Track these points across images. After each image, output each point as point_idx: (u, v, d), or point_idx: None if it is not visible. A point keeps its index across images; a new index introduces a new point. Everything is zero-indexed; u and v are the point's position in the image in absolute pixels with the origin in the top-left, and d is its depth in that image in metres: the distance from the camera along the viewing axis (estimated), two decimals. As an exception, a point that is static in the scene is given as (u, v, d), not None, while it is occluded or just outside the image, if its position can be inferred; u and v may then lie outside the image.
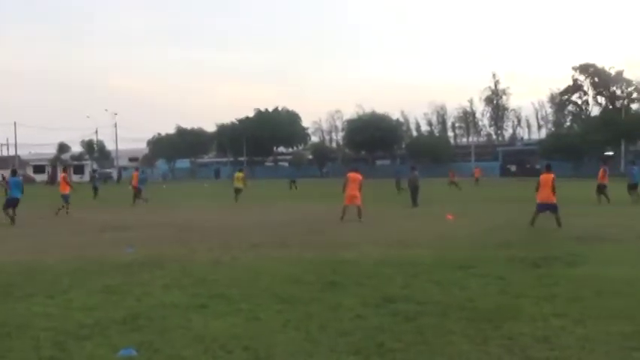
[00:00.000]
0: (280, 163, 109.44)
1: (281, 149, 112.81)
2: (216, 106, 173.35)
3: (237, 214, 23.37)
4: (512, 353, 5.61)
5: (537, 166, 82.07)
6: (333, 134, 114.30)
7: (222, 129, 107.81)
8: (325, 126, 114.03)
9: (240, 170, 33.22)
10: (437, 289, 8.34)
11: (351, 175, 20.56)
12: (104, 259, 11.84)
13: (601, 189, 26.75)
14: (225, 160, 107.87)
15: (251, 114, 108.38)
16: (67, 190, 24.54)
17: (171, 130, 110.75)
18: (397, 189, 37.54)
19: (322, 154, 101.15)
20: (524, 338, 6.02)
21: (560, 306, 7.29)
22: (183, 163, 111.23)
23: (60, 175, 25.40)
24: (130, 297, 8.22)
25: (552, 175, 17.51)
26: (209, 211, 25.67)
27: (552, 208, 17.17)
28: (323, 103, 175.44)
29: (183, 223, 19.82)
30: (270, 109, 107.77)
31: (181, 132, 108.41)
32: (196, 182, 75.38)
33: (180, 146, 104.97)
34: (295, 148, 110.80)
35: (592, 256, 11.39)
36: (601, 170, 27.23)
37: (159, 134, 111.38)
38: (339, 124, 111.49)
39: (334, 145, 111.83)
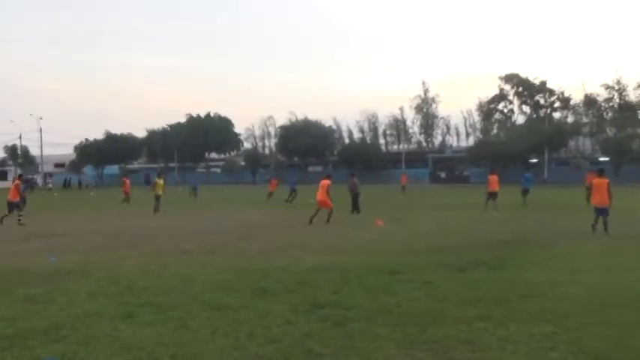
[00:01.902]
0: (212, 170, 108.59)
1: (213, 155, 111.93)
2: (147, 111, 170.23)
3: (167, 221, 23.02)
4: (437, 356, 5.74)
5: (465, 173, 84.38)
6: (266, 140, 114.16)
7: (153, 134, 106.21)
8: (258, 132, 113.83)
9: (159, 176, 30.58)
10: (366, 295, 8.43)
11: (322, 182, 22.12)
12: (27, 268, 11.47)
13: (492, 195, 28.01)
14: (155, 166, 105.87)
15: (183, 119, 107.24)
16: (16, 198, 23.23)
17: (100, 136, 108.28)
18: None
19: (255, 161, 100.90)
20: (448, 341, 6.17)
21: (484, 309, 7.49)
22: (112, 170, 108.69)
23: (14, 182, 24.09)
24: (54, 306, 8.00)
25: (607, 180, 17.47)
26: (139, 218, 25.18)
27: (605, 212, 17.02)
28: (255, 110, 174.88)
29: (111, 230, 19.41)
30: (202, 115, 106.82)
31: (110, 137, 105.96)
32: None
33: (108, 152, 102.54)
34: (228, 154, 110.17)
35: (517, 259, 11.77)
36: (491, 177, 28.61)
37: (86, 139, 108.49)
38: (271, 130, 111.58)
39: (267, 151, 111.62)
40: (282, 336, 6.40)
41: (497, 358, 5.66)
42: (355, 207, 26.34)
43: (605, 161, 71.89)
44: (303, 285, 9.25)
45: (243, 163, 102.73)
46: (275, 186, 41.71)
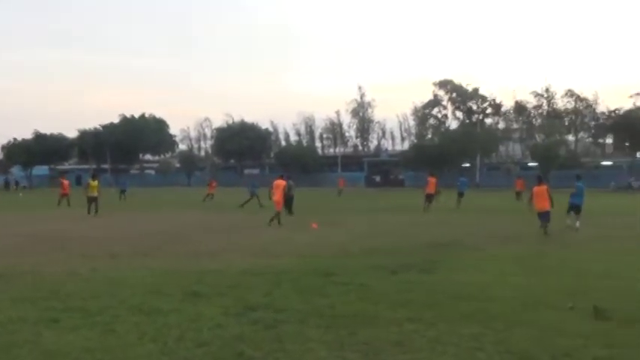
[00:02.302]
0: (147, 171, 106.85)
1: (148, 157, 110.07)
2: (79, 111, 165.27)
3: (97, 224, 22.43)
4: (368, 358, 5.77)
5: (400, 177, 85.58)
6: (202, 142, 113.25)
7: (85, 135, 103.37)
8: (194, 134, 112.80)
9: (94, 177, 29.33)
10: (298, 297, 8.42)
11: (275, 182, 22.56)
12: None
13: (429, 198, 29.09)
14: (87, 167, 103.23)
15: (116, 120, 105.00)
16: None
17: (29, 135, 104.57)
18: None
19: (190, 163, 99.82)
20: (379, 343, 6.21)
21: (415, 311, 7.59)
22: (41, 170, 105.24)
23: None
24: (-26, 312, 7.66)
25: (546, 187, 18.66)
26: (68, 220, 24.41)
27: (546, 217, 18.04)
28: (191, 111, 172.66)
29: (39, 232, 18.76)
30: (137, 116, 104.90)
31: (39, 137, 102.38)
32: (56, 190, 71.86)
33: (37, 152, 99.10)
34: (162, 155, 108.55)
35: (448, 262, 12.00)
36: (430, 180, 29.74)
37: (14, 139, 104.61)
38: (207, 132, 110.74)
39: (202, 153, 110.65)
40: (212, 339, 6.31)
41: (427, 359, 5.73)
42: (289, 209, 26.35)
43: (534, 166, 74.26)
44: (236, 288, 9.15)
45: (178, 165, 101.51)
46: (214, 188, 41.37)
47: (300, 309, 7.66)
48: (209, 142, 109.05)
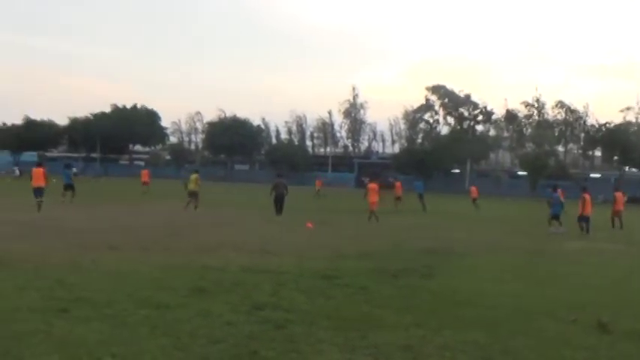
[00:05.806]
0: (136, 162, 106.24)
1: (138, 148, 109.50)
2: (70, 99, 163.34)
3: (89, 213, 22.33)
4: (379, 361, 5.86)
5: (390, 179, 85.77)
6: (193, 136, 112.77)
7: (75, 123, 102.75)
8: (185, 127, 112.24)
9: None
10: (304, 298, 8.49)
11: (369, 185, 25.35)
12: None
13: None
14: (76, 155, 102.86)
15: (107, 109, 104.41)
16: None
17: (19, 121, 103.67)
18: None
19: (180, 155, 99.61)
20: (388, 347, 6.29)
21: (420, 316, 7.68)
22: (30, 157, 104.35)
23: None
24: (-23, 300, 7.65)
25: (588, 195, 22.57)
26: (59, 209, 24.13)
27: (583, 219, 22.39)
28: (183, 104, 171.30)
29: (28, 221, 18.52)
30: (129, 106, 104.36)
31: (30, 123, 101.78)
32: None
33: (27, 138, 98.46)
34: (153, 147, 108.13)
35: (445, 268, 12.15)
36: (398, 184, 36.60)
37: (4, 124, 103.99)
38: (199, 126, 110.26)
39: (193, 147, 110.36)
40: (225, 337, 6.35)
41: (437, 365, 5.83)
42: (280, 209, 25.95)
43: (522, 175, 74.85)
44: (240, 285, 9.21)
45: (168, 157, 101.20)
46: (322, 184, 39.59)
47: (308, 310, 7.73)
48: (200, 136, 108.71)
